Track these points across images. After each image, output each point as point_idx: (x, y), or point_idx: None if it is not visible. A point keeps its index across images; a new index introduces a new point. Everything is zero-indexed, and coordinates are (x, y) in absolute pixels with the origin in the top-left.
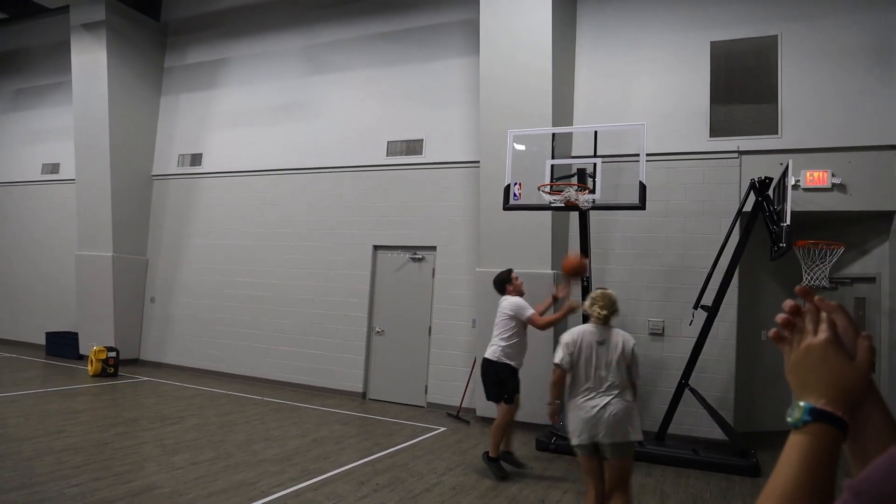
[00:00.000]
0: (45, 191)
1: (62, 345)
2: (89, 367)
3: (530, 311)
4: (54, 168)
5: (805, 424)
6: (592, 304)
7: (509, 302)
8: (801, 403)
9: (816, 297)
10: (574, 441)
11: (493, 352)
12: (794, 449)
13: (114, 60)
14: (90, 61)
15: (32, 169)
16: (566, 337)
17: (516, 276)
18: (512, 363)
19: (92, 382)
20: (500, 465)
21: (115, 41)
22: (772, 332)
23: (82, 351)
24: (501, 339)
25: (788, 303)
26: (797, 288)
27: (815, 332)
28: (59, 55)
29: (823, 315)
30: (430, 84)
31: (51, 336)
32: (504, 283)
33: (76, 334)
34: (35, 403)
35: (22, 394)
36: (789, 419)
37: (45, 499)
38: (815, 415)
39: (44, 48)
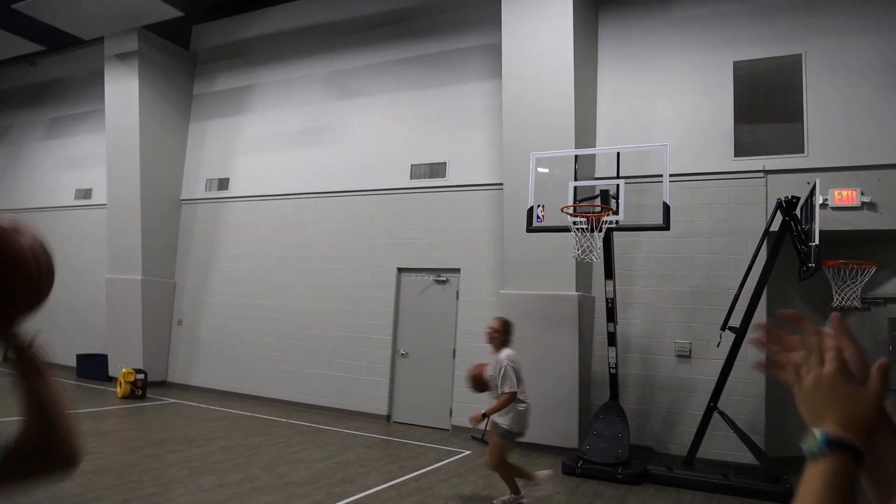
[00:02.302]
0: (78, 216)
1: (92, 367)
2: (118, 389)
3: None
4: (87, 193)
5: (822, 454)
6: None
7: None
8: (817, 432)
9: (809, 325)
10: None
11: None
12: (814, 478)
13: (145, 89)
14: (122, 90)
15: (66, 194)
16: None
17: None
18: None
19: (120, 404)
20: None
21: (146, 70)
22: (758, 362)
23: (111, 373)
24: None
25: (761, 325)
26: (785, 312)
27: (821, 360)
28: (92, 84)
29: (828, 340)
30: (453, 108)
31: (81, 358)
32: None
33: (106, 356)
34: None
35: None
36: (805, 448)
37: None
38: (832, 444)
39: (78, 78)
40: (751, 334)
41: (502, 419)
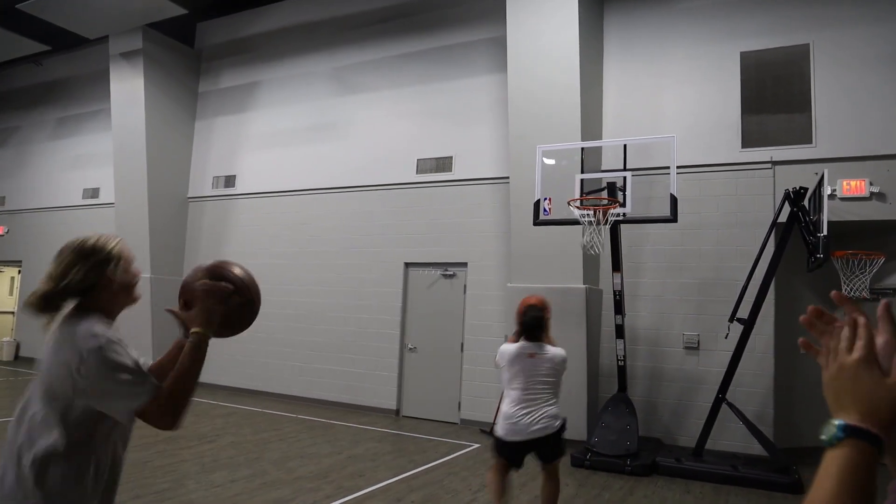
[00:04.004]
0: (86, 215)
1: None
2: None
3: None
4: (94, 193)
5: (839, 441)
6: None
7: (564, 353)
8: (834, 421)
9: (854, 311)
10: None
11: (553, 416)
12: (830, 466)
13: (150, 87)
14: (128, 89)
15: (74, 194)
16: None
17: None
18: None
19: None
20: None
21: (151, 68)
22: (802, 340)
23: None
24: (554, 399)
25: (811, 308)
26: (833, 293)
27: (850, 348)
28: (98, 84)
29: (862, 329)
30: (458, 102)
31: None
32: (543, 323)
33: None
34: None
35: None
36: (823, 437)
37: None
38: (848, 431)
39: (84, 77)
40: (802, 315)
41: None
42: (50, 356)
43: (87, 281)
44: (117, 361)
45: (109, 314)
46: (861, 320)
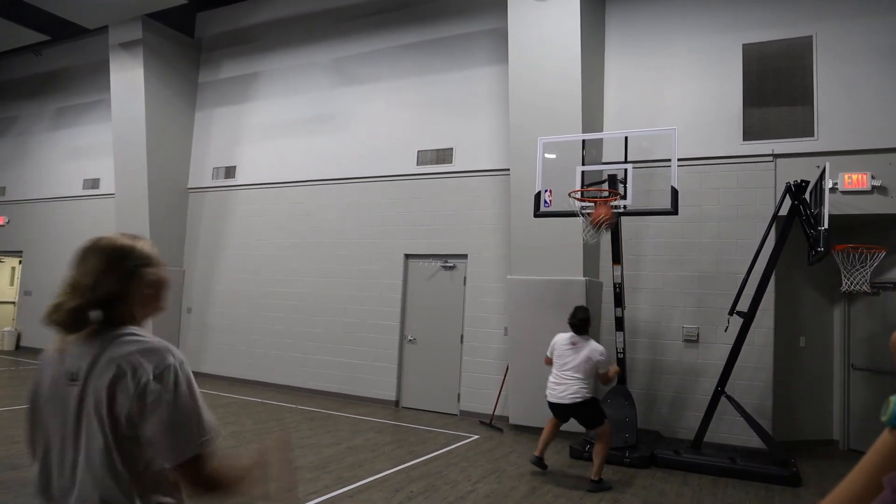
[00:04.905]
0: (86, 206)
1: None
2: None
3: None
4: (95, 183)
5: (892, 429)
6: None
7: (600, 349)
8: (893, 400)
9: None
10: None
11: (577, 391)
12: (879, 446)
13: (150, 78)
14: (128, 79)
15: (74, 184)
16: None
17: None
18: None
19: None
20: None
21: (151, 59)
22: None
23: None
24: (585, 380)
25: None
26: None
27: None
28: (98, 74)
29: None
30: (459, 93)
31: None
32: (588, 322)
33: None
34: None
35: None
36: (883, 418)
37: None
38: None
39: (83, 68)
40: None
41: None
42: (106, 381)
43: (121, 290)
44: (195, 386)
45: (136, 323)
46: None
